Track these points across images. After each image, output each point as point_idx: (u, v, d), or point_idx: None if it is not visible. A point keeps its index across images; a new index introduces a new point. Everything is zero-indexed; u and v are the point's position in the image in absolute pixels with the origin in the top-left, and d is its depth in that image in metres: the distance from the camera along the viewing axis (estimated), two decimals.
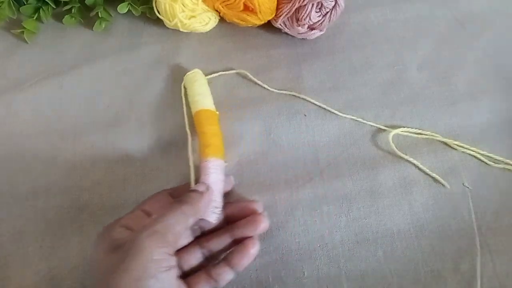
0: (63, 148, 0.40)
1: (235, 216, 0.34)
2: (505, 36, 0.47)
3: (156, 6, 0.44)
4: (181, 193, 0.32)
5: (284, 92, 0.42)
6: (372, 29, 0.47)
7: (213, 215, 0.33)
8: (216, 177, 0.34)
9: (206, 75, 0.42)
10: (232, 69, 0.44)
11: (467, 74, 0.44)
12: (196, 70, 0.42)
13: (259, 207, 0.34)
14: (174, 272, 0.27)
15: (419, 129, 0.40)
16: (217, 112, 0.39)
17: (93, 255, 0.29)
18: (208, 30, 0.46)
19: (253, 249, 0.31)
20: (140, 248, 0.26)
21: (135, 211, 0.31)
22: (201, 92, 0.40)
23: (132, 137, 0.40)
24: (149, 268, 0.25)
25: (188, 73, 0.42)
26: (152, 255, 0.26)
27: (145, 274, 0.25)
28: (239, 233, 0.32)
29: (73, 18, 0.46)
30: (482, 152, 0.39)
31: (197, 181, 0.34)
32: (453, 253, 0.35)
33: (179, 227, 0.29)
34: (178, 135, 0.40)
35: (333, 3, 0.41)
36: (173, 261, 0.27)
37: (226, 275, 0.31)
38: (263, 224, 0.32)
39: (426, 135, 0.40)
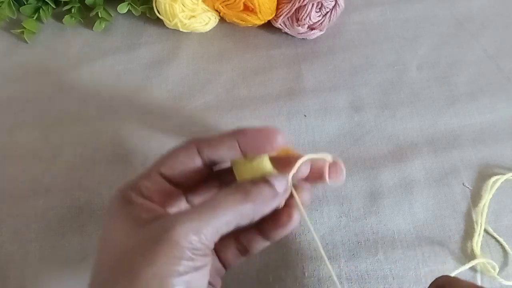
0: (63, 148, 0.40)
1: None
2: (505, 36, 0.47)
3: (156, 6, 0.44)
4: (215, 150, 0.25)
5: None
6: (372, 29, 0.47)
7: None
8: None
9: None
10: (232, 69, 0.44)
11: (467, 74, 0.44)
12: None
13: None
14: (206, 271, 0.23)
15: None
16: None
17: (109, 229, 0.24)
18: (208, 30, 0.46)
19: (288, 220, 0.25)
20: (171, 242, 0.21)
21: (152, 174, 0.25)
22: None
23: (132, 137, 0.40)
24: (179, 266, 0.21)
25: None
26: (185, 253, 0.21)
27: (173, 272, 0.21)
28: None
29: (73, 18, 0.46)
30: None
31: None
32: (453, 253, 0.35)
33: (227, 228, 0.22)
34: (178, 135, 0.40)
35: (333, 3, 0.41)
36: (207, 260, 0.22)
37: (258, 242, 0.26)
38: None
39: None
